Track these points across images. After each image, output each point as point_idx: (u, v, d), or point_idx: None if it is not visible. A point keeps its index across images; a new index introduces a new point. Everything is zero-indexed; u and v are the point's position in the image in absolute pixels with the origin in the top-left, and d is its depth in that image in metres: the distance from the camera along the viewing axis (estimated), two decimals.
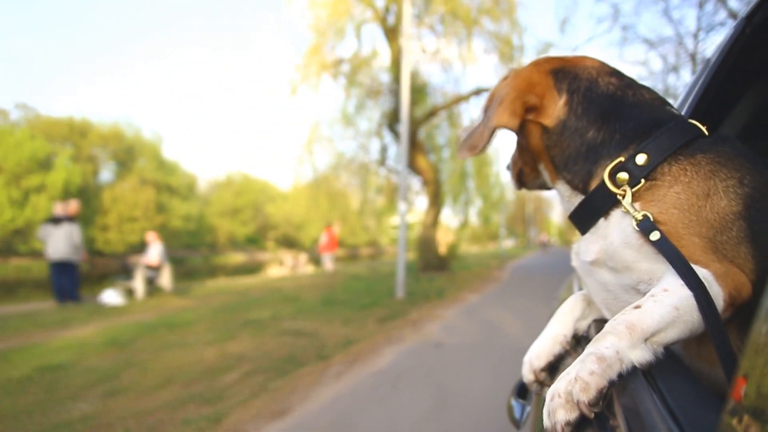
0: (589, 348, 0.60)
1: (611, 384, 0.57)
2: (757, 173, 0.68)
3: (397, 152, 14.05)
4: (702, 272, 0.61)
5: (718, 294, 0.60)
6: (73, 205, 8.73)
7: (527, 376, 0.85)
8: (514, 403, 1.05)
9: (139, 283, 8.69)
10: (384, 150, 14.75)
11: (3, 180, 31.91)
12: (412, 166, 12.67)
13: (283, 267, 19.83)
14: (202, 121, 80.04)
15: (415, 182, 14.47)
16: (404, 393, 3.50)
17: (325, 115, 19.33)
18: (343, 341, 5.04)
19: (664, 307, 0.60)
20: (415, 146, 12.62)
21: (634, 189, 0.69)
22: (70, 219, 8.43)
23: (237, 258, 45.10)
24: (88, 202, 35.89)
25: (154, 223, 37.84)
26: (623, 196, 0.69)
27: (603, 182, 0.71)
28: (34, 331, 5.61)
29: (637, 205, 0.68)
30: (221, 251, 49.31)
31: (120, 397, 3.34)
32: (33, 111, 35.22)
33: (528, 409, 0.97)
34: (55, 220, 8.31)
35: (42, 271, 29.74)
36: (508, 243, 36.67)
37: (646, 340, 0.59)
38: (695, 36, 9.43)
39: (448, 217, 17.36)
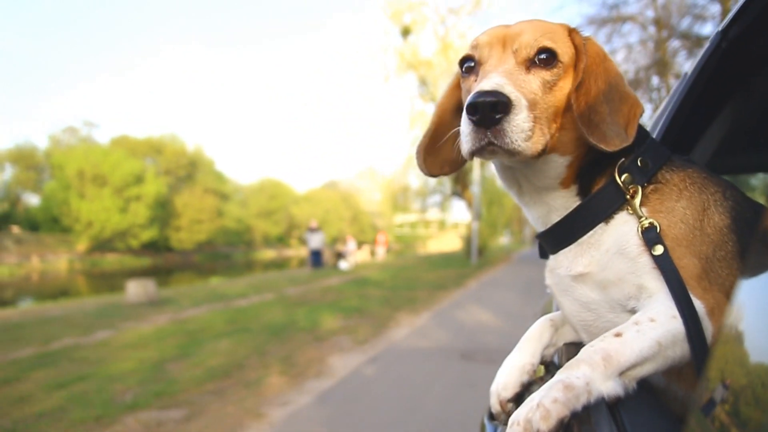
0: (560, 374, 0.60)
1: (574, 414, 0.57)
2: (732, 187, 0.73)
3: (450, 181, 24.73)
4: (696, 304, 0.61)
5: (707, 328, 0.61)
6: (316, 222, 19.12)
7: (494, 407, 0.86)
8: (487, 425, 1.07)
9: (351, 259, 19.14)
10: (442, 183, 25.38)
11: (110, 191, 40.96)
12: (462, 196, 23.21)
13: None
14: (240, 128, 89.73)
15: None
16: (503, 277, 14.05)
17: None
18: (467, 274, 15.47)
19: (645, 341, 0.59)
20: (463, 185, 23.17)
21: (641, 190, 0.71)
22: (319, 228, 18.73)
23: (269, 254, 54.48)
24: (164, 207, 45.43)
25: (215, 224, 47.87)
26: (633, 196, 0.70)
27: (612, 180, 0.71)
28: (344, 275, 15.61)
29: (644, 209, 0.69)
30: (257, 248, 58.52)
31: (437, 285, 13.65)
32: (97, 127, 43.79)
33: (499, 430, 0.99)
34: (312, 229, 18.57)
35: (133, 264, 38.90)
36: (506, 240, 46.73)
37: (620, 374, 0.59)
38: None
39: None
